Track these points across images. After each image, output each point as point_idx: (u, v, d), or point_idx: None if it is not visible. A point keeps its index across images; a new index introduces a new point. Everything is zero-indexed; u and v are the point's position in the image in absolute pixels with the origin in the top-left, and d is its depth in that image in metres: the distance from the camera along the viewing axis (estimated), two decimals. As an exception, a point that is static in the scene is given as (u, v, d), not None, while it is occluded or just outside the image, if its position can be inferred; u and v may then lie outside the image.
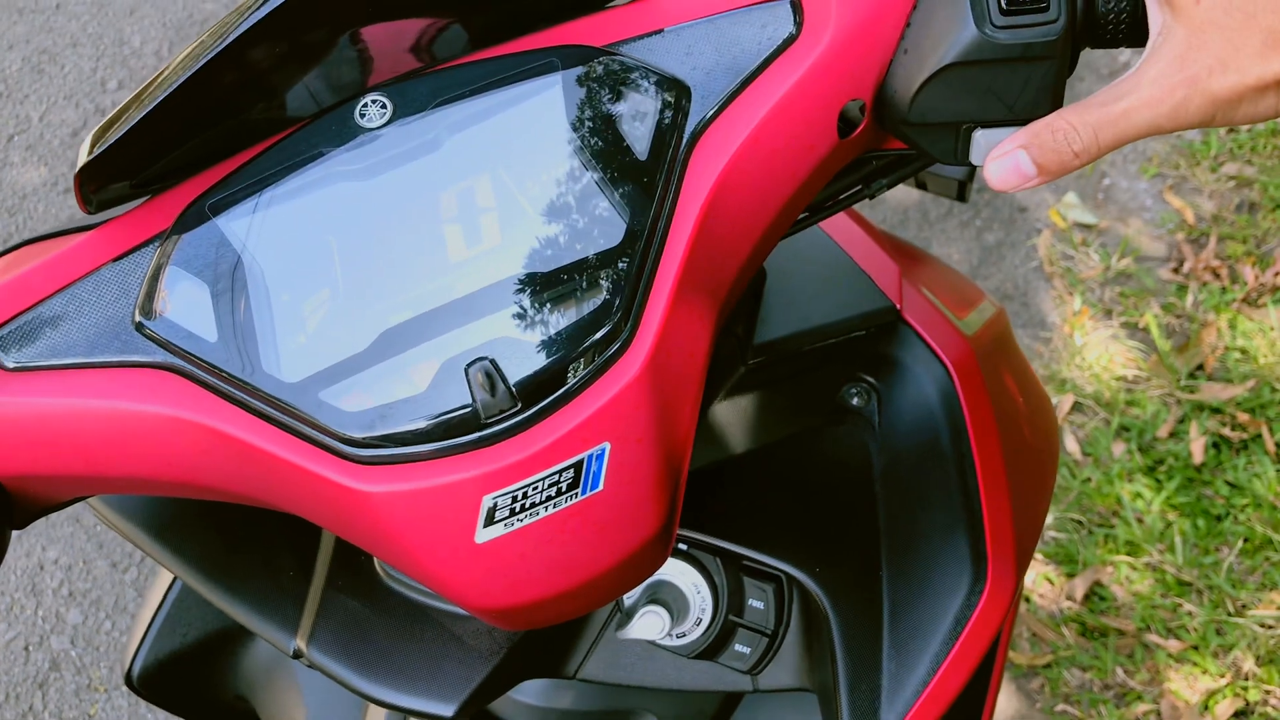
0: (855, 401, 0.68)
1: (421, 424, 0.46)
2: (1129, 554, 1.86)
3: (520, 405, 0.46)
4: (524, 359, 0.46)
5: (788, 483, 0.68)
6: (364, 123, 0.49)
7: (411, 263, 0.48)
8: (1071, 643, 1.79)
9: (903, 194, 2.43)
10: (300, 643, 0.64)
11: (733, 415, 0.68)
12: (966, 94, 0.48)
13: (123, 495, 0.67)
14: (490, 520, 0.46)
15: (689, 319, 0.48)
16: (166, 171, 0.51)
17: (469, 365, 0.46)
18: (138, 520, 0.67)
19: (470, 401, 0.45)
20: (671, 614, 0.65)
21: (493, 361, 0.46)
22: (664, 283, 0.46)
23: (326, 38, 0.48)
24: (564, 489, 0.46)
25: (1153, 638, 1.78)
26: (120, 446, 0.49)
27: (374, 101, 0.49)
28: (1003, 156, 0.49)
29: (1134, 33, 0.50)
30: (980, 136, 0.50)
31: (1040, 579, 1.86)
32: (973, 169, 0.89)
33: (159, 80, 0.48)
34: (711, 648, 0.68)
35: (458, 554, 0.47)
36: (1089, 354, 2.14)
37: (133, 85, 2.58)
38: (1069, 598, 1.84)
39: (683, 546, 0.67)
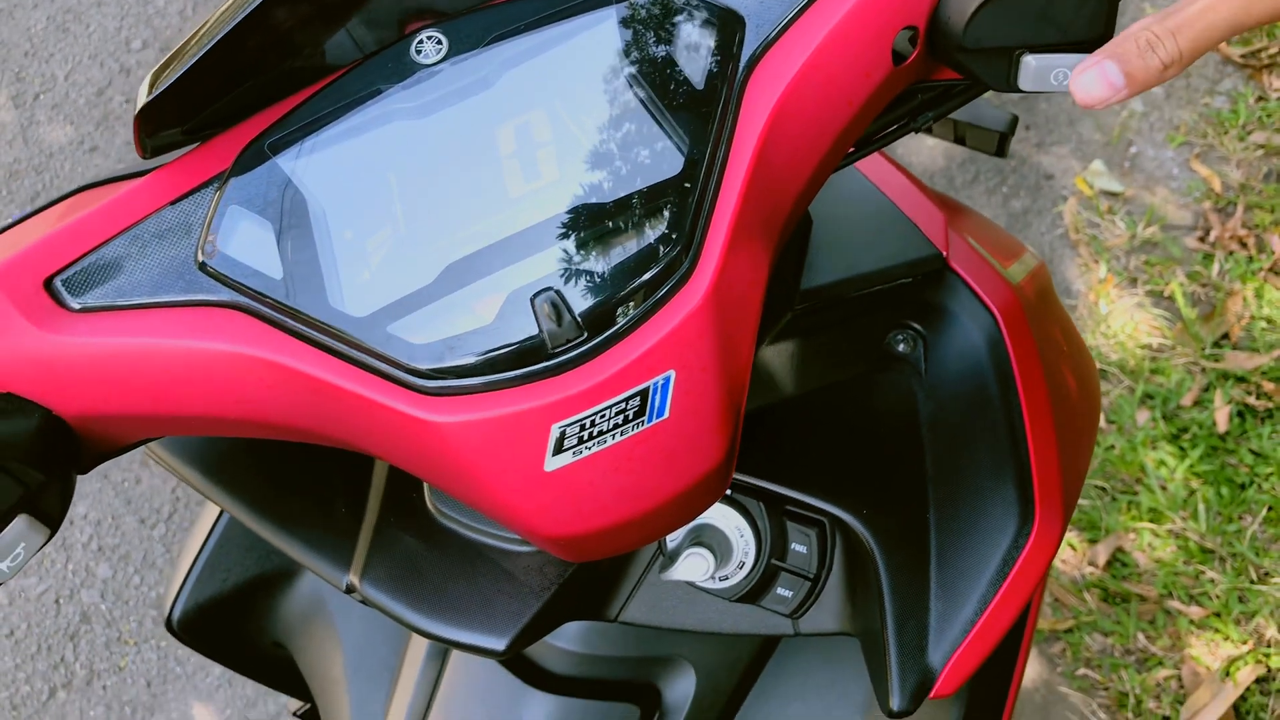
0: (902, 348, 0.68)
1: (489, 354, 0.46)
2: (1152, 521, 1.86)
3: (586, 334, 0.46)
4: (588, 289, 0.46)
5: (834, 428, 0.68)
6: (420, 59, 0.50)
7: (472, 198, 0.48)
8: (1093, 608, 1.80)
9: (928, 159, 2.42)
10: (353, 578, 0.64)
11: (779, 360, 0.69)
12: (1020, 18, 0.48)
13: (180, 436, 0.68)
14: (559, 448, 0.47)
15: (748, 250, 0.48)
16: (219, 118, 0.51)
17: (535, 296, 0.46)
18: (193, 460, 0.67)
19: (537, 331, 0.46)
20: (715, 556, 0.66)
21: (558, 292, 0.46)
22: (724, 212, 0.47)
23: None
24: (631, 417, 0.47)
25: (1174, 604, 1.78)
26: (188, 385, 0.49)
27: (430, 38, 0.50)
28: (1088, 70, 0.48)
29: None
30: (1032, 60, 0.50)
31: (1063, 544, 1.87)
32: (1014, 121, 0.89)
33: (215, 19, 0.48)
34: (754, 591, 0.68)
35: (528, 482, 0.47)
36: (1114, 322, 2.13)
37: (157, 44, 2.58)
38: (1091, 564, 1.84)
39: (727, 491, 0.68)
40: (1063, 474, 0.63)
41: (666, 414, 0.47)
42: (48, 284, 0.49)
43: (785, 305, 0.66)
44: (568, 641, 0.78)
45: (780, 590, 0.68)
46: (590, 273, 0.46)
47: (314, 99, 0.50)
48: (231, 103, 0.50)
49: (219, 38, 0.46)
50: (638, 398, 0.46)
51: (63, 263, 0.49)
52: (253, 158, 0.49)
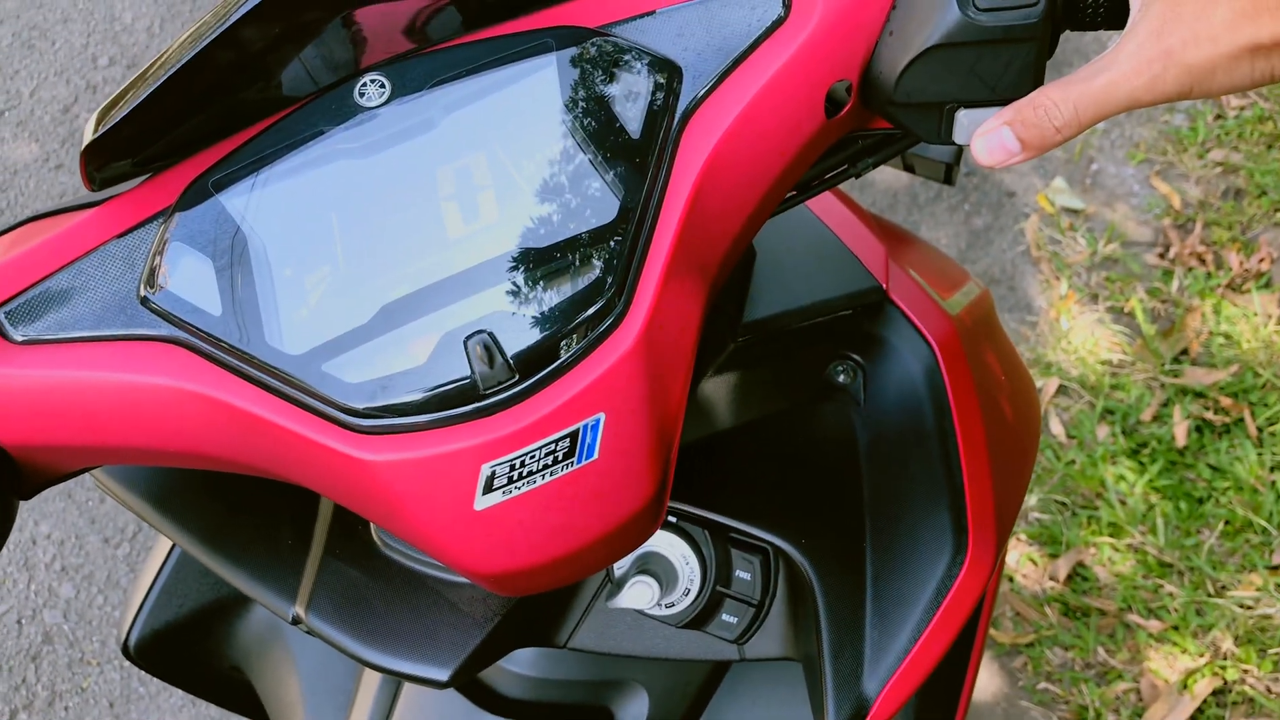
0: (841, 379, 0.70)
1: (422, 395, 0.47)
2: (1111, 535, 1.89)
3: (518, 377, 0.47)
4: (521, 332, 0.47)
5: (774, 457, 0.69)
6: (363, 102, 0.51)
7: (410, 238, 0.49)
8: (1054, 622, 1.82)
9: (892, 178, 2.44)
10: (299, 609, 0.65)
11: (721, 391, 0.70)
12: (950, 75, 0.50)
13: (126, 465, 0.68)
14: (489, 488, 0.47)
15: (681, 294, 0.49)
16: (168, 151, 0.52)
17: (468, 338, 0.47)
18: (139, 490, 0.68)
19: (469, 373, 0.47)
20: (661, 584, 0.67)
21: (491, 334, 0.47)
22: (657, 259, 0.48)
23: (322, 19, 0.49)
24: (560, 458, 0.48)
25: (1134, 618, 1.80)
26: (126, 418, 0.50)
27: (373, 81, 0.51)
28: (988, 134, 0.50)
29: (1113, 16, 0.51)
30: (964, 116, 0.51)
31: (1024, 559, 1.89)
32: (959, 152, 0.90)
33: (161, 61, 0.49)
34: (699, 618, 0.69)
35: (458, 521, 0.48)
36: (1075, 338, 2.16)
37: (124, 61, 2.58)
38: (1052, 578, 1.86)
39: (672, 519, 0.69)
40: (997, 502, 0.64)
41: (596, 455, 0.48)
42: None
43: (728, 337, 0.68)
44: (521, 666, 0.79)
45: (725, 617, 0.69)
46: (524, 316, 0.47)
47: (258, 137, 0.51)
48: (178, 138, 0.51)
49: (166, 76, 0.47)
50: (567, 439, 0.47)
51: (6, 295, 0.50)
52: (196, 194, 0.50)
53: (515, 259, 0.48)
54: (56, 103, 2.51)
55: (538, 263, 0.48)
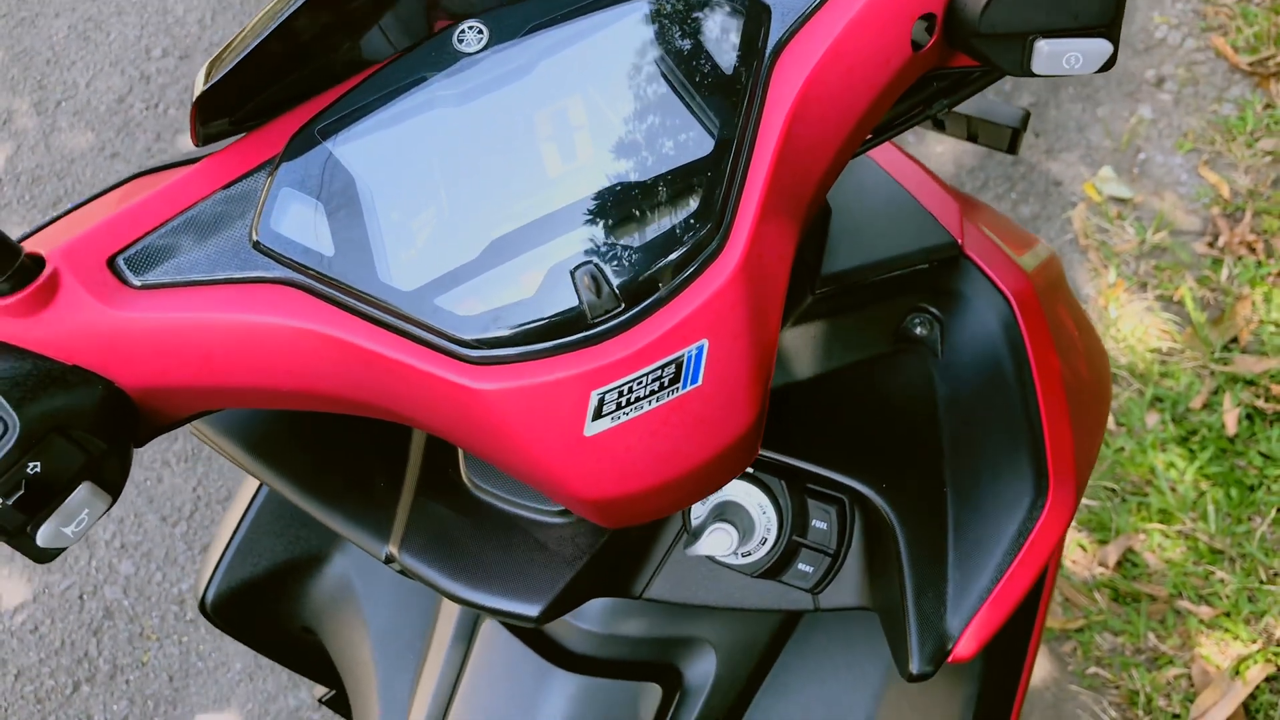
0: (919, 331, 0.71)
1: (532, 325, 0.48)
2: (1162, 522, 1.88)
3: (624, 305, 0.48)
4: (625, 263, 0.48)
5: (854, 407, 0.70)
6: (462, 48, 0.52)
7: (512, 178, 0.50)
8: (1104, 608, 1.81)
9: (936, 166, 2.44)
10: (393, 548, 0.67)
11: (801, 341, 0.71)
12: (1033, 4, 0.51)
13: (224, 415, 0.70)
14: (598, 414, 0.49)
15: (776, 225, 0.50)
16: (269, 106, 0.53)
17: (575, 269, 0.48)
18: (236, 437, 0.69)
19: (577, 303, 0.48)
20: (739, 532, 0.68)
21: (597, 265, 0.48)
22: (753, 190, 0.49)
23: None
24: (666, 384, 0.49)
25: (1184, 604, 1.80)
26: (244, 358, 0.52)
27: (471, 28, 0.52)
28: None
29: None
30: (1044, 45, 0.52)
31: (1073, 545, 1.88)
32: (1026, 118, 0.91)
33: (265, 14, 0.51)
34: (775, 567, 0.71)
35: (568, 446, 0.49)
36: (1124, 326, 2.15)
37: (176, 53, 2.62)
38: (1101, 564, 1.86)
39: (749, 469, 0.70)
40: (1076, 449, 0.65)
41: (700, 381, 0.49)
42: (110, 262, 0.52)
43: (806, 289, 0.69)
44: (589, 622, 0.80)
45: (801, 566, 0.70)
46: (627, 247, 0.49)
47: (361, 86, 0.52)
48: (281, 91, 0.53)
49: (269, 30, 0.48)
50: (673, 365, 0.48)
51: (124, 242, 0.52)
52: (303, 142, 0.52)
53: (615, 194, 0.49)
54: (111, 93, 2.55)
55: (637, 197, 0.49)
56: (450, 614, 0.87)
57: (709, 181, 0.49)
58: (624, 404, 0.49)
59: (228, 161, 0.53)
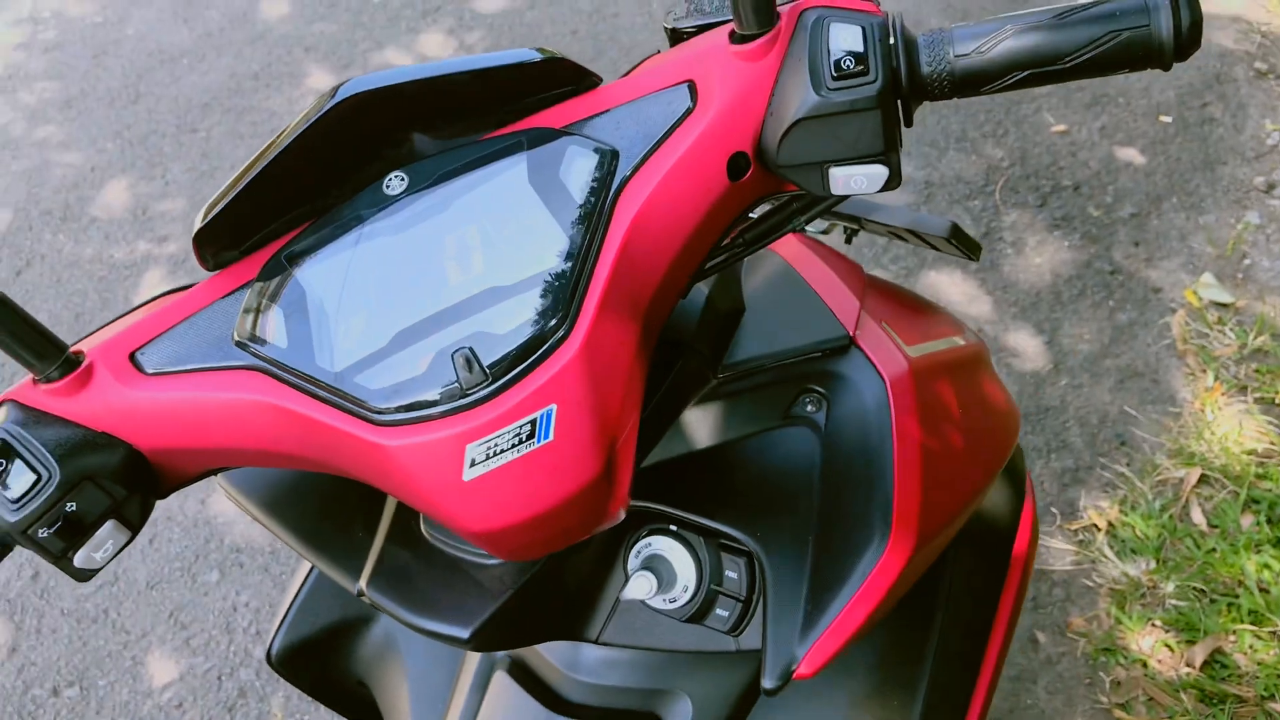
0: (808, 409, 0.83)
1: (422, 396, 0.63)
2: (1253, 623, 1.87)
3: (490, 379, 0.63)
4: (495, 346, 0.63)
5: (745, 472, 0.82)
6: (389, 192, 0.69)
7: (421, 286, 0.66)
8: (1189, 708, 1.81)
9: (1035, 278, 2.50)
10: (362, 584, 0.82)
11: (705, 417, 0.84)
12: (817, 141, 0.64)
13: (243, 475, 0.88)
14: (473, 463, 0.63)
15: (615, 319, 0.64)
16: (260, 238, 0.71)
17: (454, 352, 0.63)
18: (251, 496, 0.87)
19: (455, 378, 0.63)
20: (659, 579, 0.80)
21: (471, 349, 0.63)
22: (594, 293, 0.63)
23: (381, 135, 0.67)
24: (524, 438, 0.63)
25: (1275, 706, 1.78)
26: (225, 425, 0.69)
27: (396, 176, 0.69)
28: None
29: (964, 85, 0.64)
30: (835, 172, 0.65)
31: (1158, 645, 1.89)
32: (953, 227, 1.03)
33: (247, 167, 0.69)
34: (699, 613, 0.83)
35: (451, 489, 0.64)
36: (1219, 428, 2.16)
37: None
38: (1188, 664, 1.86)
39: (673, 528, 0.83)
40: (923, 506, 0.75)
41: (551, 437, 0.63)
42: (131, 356, 0.70)
43: (710, 374, 0.82)
44: (582, 673, 0.93)
45: (719, 611, 0.82)
46: (496, 335, 0.63)
47: (317, 225, 0.70)
48: (266, 228, 0.71)
49: (245, 184, 0.66)
50: (529, 424, 0.63)
51: (142, 341, 0.70)
52: (274, 267, 0.69)
53: (492, 295, 0.64)
54: None
55: (507, 296, 0.64)
56: (471, 665, 1.01)
57: (559, 286, 0.63)
58: (491, 455, 0.63)
59: (223, 281, 0.71)
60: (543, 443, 0.63)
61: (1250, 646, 1.86)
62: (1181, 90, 2.91)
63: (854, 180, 0.65)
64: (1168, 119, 2.85)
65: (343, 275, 0.68)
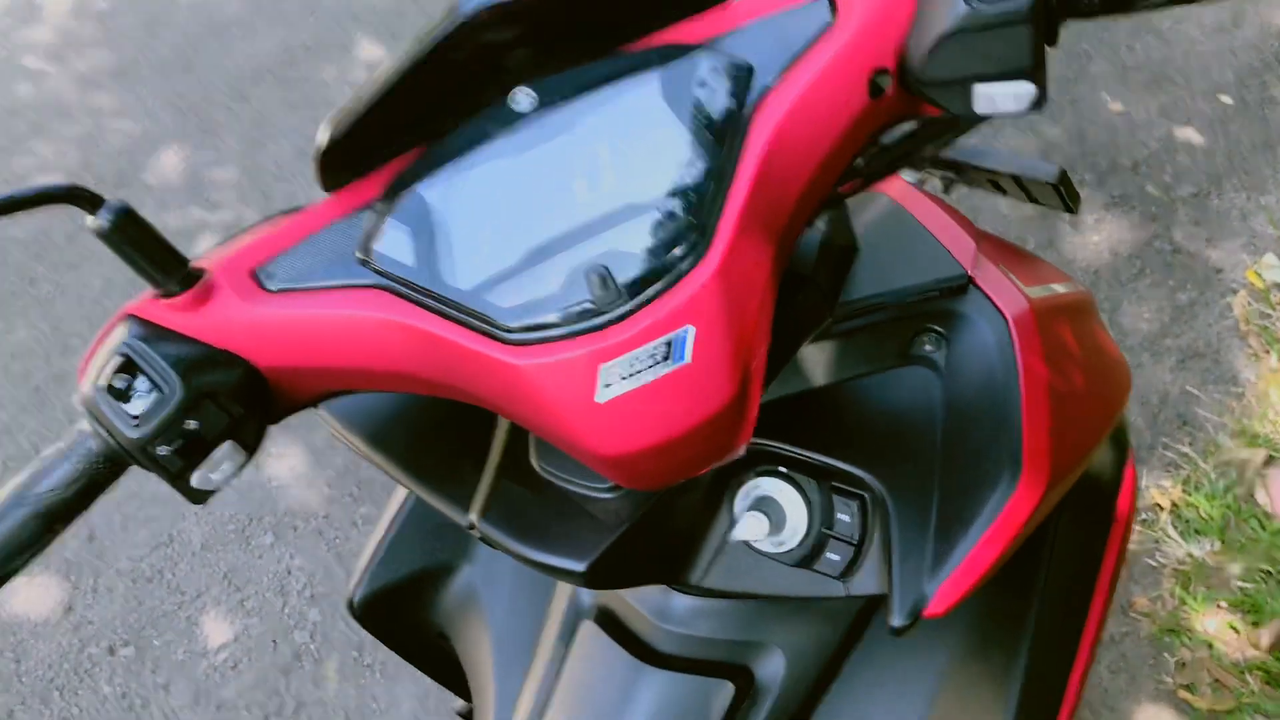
0: (926, 348, 0.81)
1: (555, 314, 0.62)
2: (1320, 606, 1.84)
3: (625, 298, 0.62)
4: (629, 264, 0.62)
5: (865, 411, 0.81)
6: (516, 109, 0.67)
7: (550, 203, 0.65)
8: (1256, 690, 1.78)
9: (1093, 256, 2.48)
10: (474, 517, 0.81)
11: (821, 356, 0.82)
12: (964, 56, 0.62)
13: (347, 408, 0.87)
14: (606, 385, 0.62)
15: (752, 239, 0.63)
16: (381, 155, 0.70)
17: (588, 270, 0.62)
18: (354, 427, 0.86)
19: (589, 296, 0.62)
20: (771, 521, 0.79)
21: (605, 267, 0.62)
22: (732, 210, 0.62)
23: (502, 47, 0.66)
24: (660, 360, 0.62)
25: (1343, 689, 1.76)
26: (349, 344, 0.67)
27: (523, 92, 0.67)
28: None
29: (1113, 2, 0.62)
30: (980, 89, 0.63)
31: (1225, 626, 1.86)
32: (1062, 174, 1.01)
33: (374, 79, 0.67)
34: (808, 557, 0.81)
35: (583, 411, 0.63)
36: (1284, 410, 2.13)
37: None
38: (1254, 646, 1.83)
39: (782, 469, 0.81)
40: (1053, 444, 0.73)
41: (687, 359, 0.62)
42: (253, 273, 0.68)
43: (826, 311, 0.80)
44: (671, 622, 0.91)
45: (830, 555, 0.80)
46: (631, 252, 0.62)
47: (441, 143, 0.68)
48: (385, 146, 0.69)
49: (369, 102, 0.64)
50: (665, 345, 0.61)
51: (264, 258, 0.69)
52: (398, 185, 0.68)
53: (627, 210, 0.63)
54: None
55: (642, 214, 0.63)
56: (557, 616, 1.00)
57: (696, 203, 0.62)
58: (626, 376, 0.62)
59: (344, 200, 0.69)
60: (679, 364, 0.62)
61: (1317, 629, 1.83)
62: (1241, 70, 2.87)
63: (1001, 98, 0.63)
64: (1227, 99, 2.80)
65: (470, 193, 0.67)
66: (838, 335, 0.82)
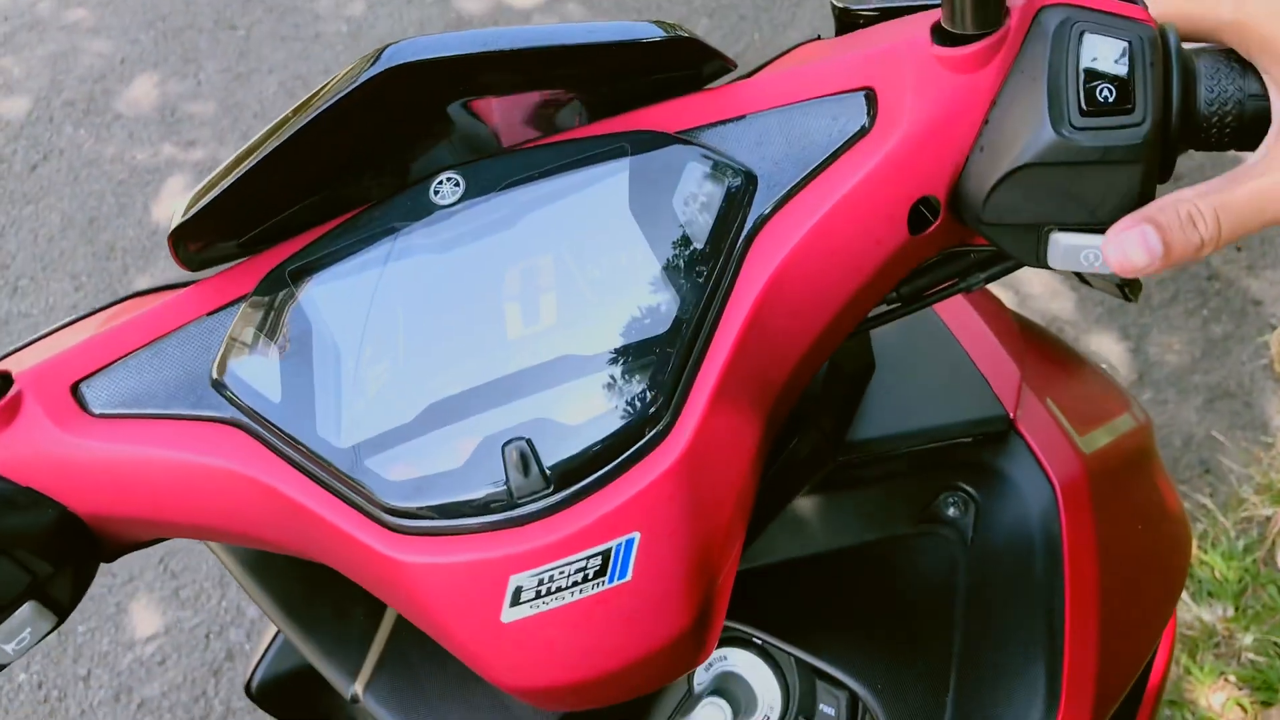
0: (951, 512, 0.64)
1: (456, 498, 0.46)
2: (1337, 689, 1.70)
3: (552, 488, 0.45)
4: (561, 442, 0.46)
5: (868, 589, 0.65)
6: (437, 200, 0.50)
7: (469, 337, 0.48)
8: (1260, 779, 1.65)
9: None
10: (358, 688, 0.65)
11: (818, 512, 0.66)
12: (1044, 196, 0.46)
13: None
14: (516, 600, 0.46)
15: (734, 416, 0.46)
16: (268, 235, 0.53)
17: (505, 444, 0.46)
18: (234, 553, 0.70)
19: (504, 480, 0.45)
20: (734, 708, 0.63)
21: (529, 442, 0.45)
22: (708, 376, 0.45)
23: (414, 115, 0.49)
24: (591, 575, 0.46)
25: (1354, 786, 1.62)
26: (187, 496, 0.51)
27: (448, 179, 0.51)
28: (1128, 230, 0.45)
29: (1244, 135, 0.46)
30: (1060, 239, 0.47)
31: (1230, 703, 1.72)
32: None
33: (250, 149, 0.50)
34: None
35: (485, 630, 0.47)
36: (1316, 465, 1.97)
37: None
38: (1262, 728, 1.69)
39: (758, 641, 0.65)
40: (1100, 670, 0.57)
41: (629, 576, 0.45)
42: (74, 388, 0.52)
43: (828, 454, 0.64)
44: None
45: None
46: (565, 425, 0.46)
47: (335, 231, 0.52)
48: (273, 224, 0.52)
49: (245, 170, 0.48)
50: (599, 557, 0.45)
51: (92, 369, 0.52)
52: (273, 283, 0.51)
53: (565, 365, 0.47)
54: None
55: (586, 370, 0.46)
56: None
57: (659, 363, 0.45)
58: (545, 593, 0.46)
59: (206, 293, 0.53)
60: (617, 583, 0.46)
61: (1332, 715, 1.69)
62: (1299, 81, 2.67)
63: (1085, 254, 0.47)
64: None
65: (365, 308, 0.50)
66: (841, 486, 0.65)
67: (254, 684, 0.93)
